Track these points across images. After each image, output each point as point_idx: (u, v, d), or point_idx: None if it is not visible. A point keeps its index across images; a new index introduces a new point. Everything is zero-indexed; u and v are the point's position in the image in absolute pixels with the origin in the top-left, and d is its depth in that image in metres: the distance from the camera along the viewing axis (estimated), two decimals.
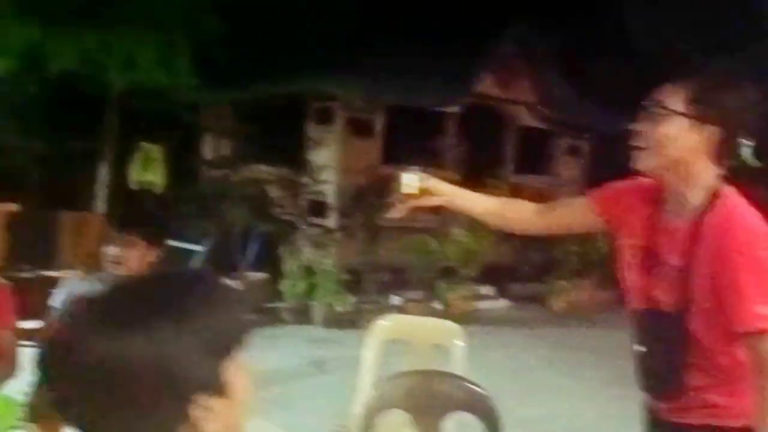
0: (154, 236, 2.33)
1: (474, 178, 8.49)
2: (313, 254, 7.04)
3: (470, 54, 8.19)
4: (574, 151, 9.55)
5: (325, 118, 7.50)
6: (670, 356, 1.68)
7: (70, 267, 5.55)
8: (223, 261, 7.20)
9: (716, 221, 1.60)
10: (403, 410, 2.17)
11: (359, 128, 7.41)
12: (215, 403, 0.79)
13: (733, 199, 1.64)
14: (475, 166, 8.93)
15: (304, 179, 7.60)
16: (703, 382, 1.67)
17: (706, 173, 1.63)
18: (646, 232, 1.72)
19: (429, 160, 8.24)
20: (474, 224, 7.60)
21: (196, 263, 7.05)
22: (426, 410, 2.14)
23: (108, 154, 7.94)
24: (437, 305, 7.34)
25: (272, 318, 6.76)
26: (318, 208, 7.56)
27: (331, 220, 7.38)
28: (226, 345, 0.81)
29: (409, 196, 1.78)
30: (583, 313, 8.01)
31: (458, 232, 7.20)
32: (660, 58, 8.06)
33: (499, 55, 8.28)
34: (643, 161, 1.67)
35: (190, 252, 7.23)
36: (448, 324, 3.02)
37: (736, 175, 1.70)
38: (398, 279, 7.78)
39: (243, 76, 8.27)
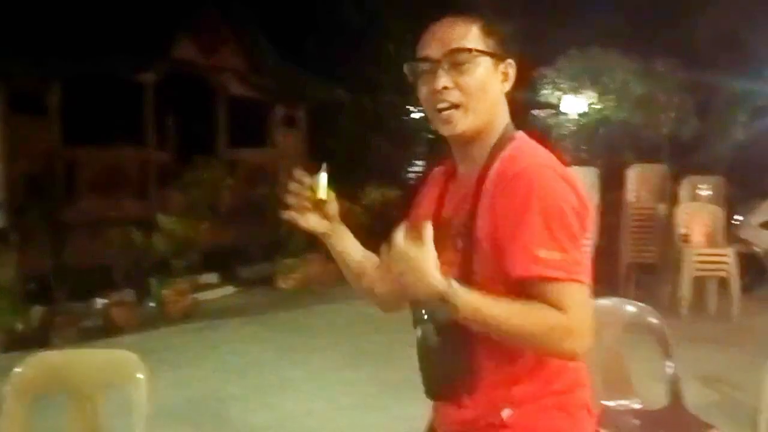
0: None
1: (184, 154, 7.69)
2: None
3: (164, 18, 7.27)
4: (290, 122, 9.25)
5: None
6: (455, 343, 1.32)
7: None
8: None
9: (502, 167, 1.32)
10: None
11: (28, 106, 6.09)
12: None
13: (522, 142, 1.38)
14: (185, 140, 8.12)
15: None
16: (491, 379, 1.33)
17: (504, 117, 1.39)
18: (437, 209, 1.44)
19: (128, 137, 7.25)
20: (184, 209, 6.85)
21: None
22: None
23: None
24: (151, 304, 6.47)
25: None
26: None
27: (1, 219, 6.00)
28: None
29: (318, 202, 1.45)
30: (314, 288, 7.74)
31: (166, 220, 6.33)
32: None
33: (200, 20, 7.52)
34: (458, 123, 1.34)
35: None
36: (121, 354, 2.30)
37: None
38: (102, 280, 6.68)
39: None
